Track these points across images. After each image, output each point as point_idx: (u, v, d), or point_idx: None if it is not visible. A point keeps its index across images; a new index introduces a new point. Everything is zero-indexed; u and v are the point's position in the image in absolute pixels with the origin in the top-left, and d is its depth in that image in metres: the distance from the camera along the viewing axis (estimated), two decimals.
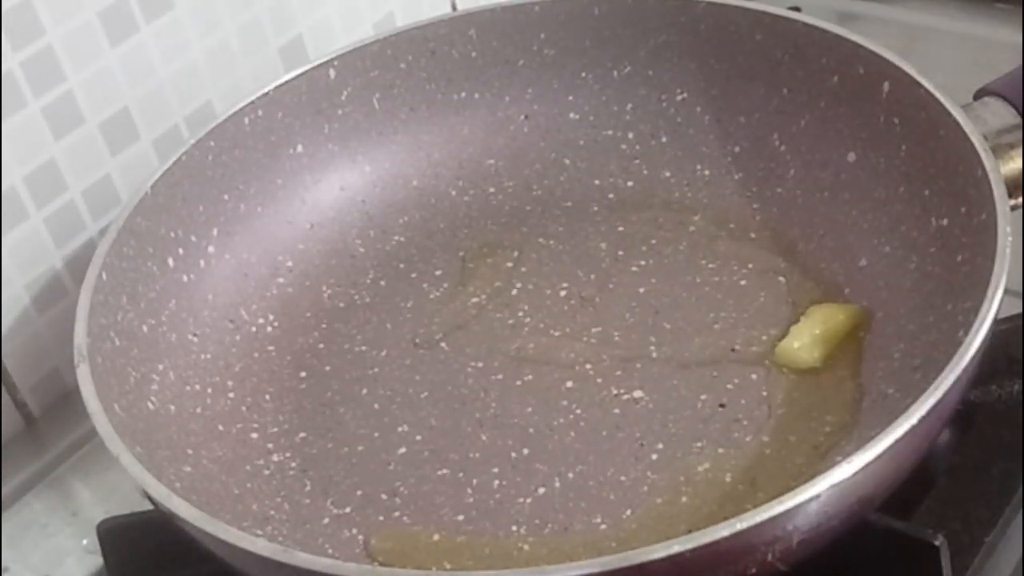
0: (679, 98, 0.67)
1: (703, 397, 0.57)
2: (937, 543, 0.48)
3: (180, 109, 0.67)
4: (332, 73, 0.67)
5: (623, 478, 0.54)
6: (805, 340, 0.57)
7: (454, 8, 0.78)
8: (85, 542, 0.59)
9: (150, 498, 0.49)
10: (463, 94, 0.69)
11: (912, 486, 0.52)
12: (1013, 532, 0.53)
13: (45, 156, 0.62)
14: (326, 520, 0.55)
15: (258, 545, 0.45)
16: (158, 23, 0.65)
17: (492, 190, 0.68)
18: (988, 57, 0.66)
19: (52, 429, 0.65)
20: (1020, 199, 0.58)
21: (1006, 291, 0.51)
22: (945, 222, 0.57)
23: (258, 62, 0.70)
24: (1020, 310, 0.60)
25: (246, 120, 0.65)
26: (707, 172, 0.66)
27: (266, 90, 0.65)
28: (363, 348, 0.62)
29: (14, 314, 0.63)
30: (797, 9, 0.64)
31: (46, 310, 0.64)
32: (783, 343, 0.58)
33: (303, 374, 0.61)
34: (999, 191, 0.53)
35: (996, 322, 0.51)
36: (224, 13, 0.67)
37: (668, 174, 0.67)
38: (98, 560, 0.56)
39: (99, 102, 0.64)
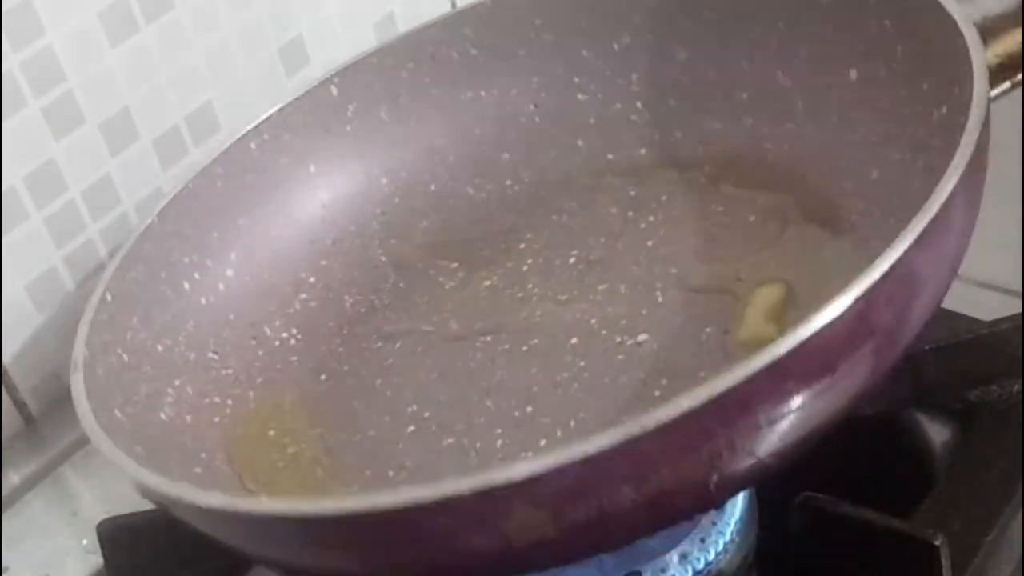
0: (681, 58, 0.65)
1: (707, 329, 0.54)
2: (937, 543, 0.48)
3: (180, 109, 0.67)
4: (334, 90, 0.67)
5: (625, 419, 0.52)
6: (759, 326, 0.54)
7: (454, 6, 0.78)
8: (85, 542, 0.59)
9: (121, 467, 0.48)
10: (469, 93, 0.68)
11: (912, 486, 0.53)
12: (1013, 532, 0.52)
13: (45, 156, 0.63)
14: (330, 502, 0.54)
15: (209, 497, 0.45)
16: (158, 23, 0.65)
17: (509, 183, 0.67)
18: None
19: (52, 429, 0.65)
20: (1019, 77, 0.54)
21: (1006, 291, 0.54)
22: (944, 110, 0.53)
23: (258, 62, 0.70)
24: (1020, 310, 0.57)
25: (252, 145, 0.65)
26: (718, 125, 0.64)
27: (269, 114, 0.66)
28: (379, 344, 0.61)
29: (14, 314, 0.63)
30: None
31: (46, 310, 0.65)
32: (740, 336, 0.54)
33: (323, 376, 0.61)
34: (976, 51, 0.50)
35: (995, 321, 0.54)
36: (224, 13, 0.68)
37: (680, 135, 0.65)
38: (98, 560, 0.56)
39: (99, 102, 0.64)
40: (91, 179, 0.65)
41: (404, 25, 0.78)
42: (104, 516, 0.55)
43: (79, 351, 0.55)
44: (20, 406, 0.65)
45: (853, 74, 0.59)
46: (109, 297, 0.58)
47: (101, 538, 0.55)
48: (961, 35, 0.51)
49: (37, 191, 0.63)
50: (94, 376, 0.54)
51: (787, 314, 0.54)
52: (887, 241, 0.53)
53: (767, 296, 0.55)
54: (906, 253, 0.42)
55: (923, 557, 0.48)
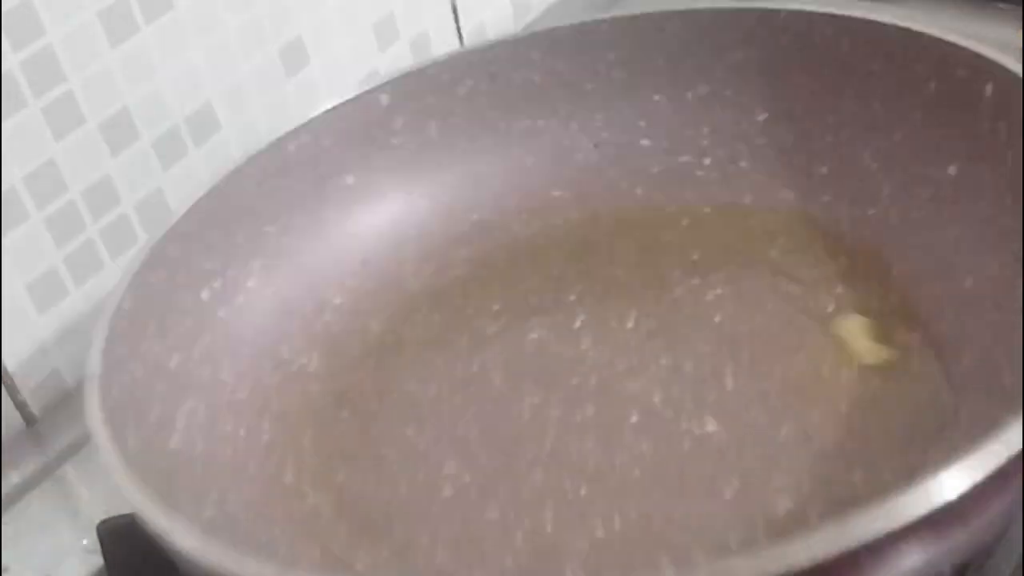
0: (760, 119, 0.62)
1: (784, 429, 0.50)
2: None
3: (180, 109, 0.66)
4: (384, 99, 0.62)
5: (693, 516, 0.48)
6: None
7: (454, 11, 0.76)
8: (85, 542, 0.57)
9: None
10: (527, 121, 0.64)
11: None
12: (1013, 532, 0.49)
13: (45, 156, 0.62)
14: (360, 567, 0.49)
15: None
16: (158, 23, 0.64)
17: (559, 222, 0.63)
18: None
19: (52, 429, 0.64)
20: None
21: None
22: None
23: (258, 62, 0.69)
24: None
25: (291, 147, 0.60)
26: (791, 196, 0.60)
27: (312, 116, 0.61)
28: (412, 386, 0.57)
29: (14, 314, 0.62)
30: None
31: (46, 310, 0.63)
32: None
33: (345, 414, 0.56)
34: None
35: None
36: (224, 13, 0.67)
37: (748, 200, 0.61)
38: (98, 560, 0.54)
39: (99, 102, 0.63)
40: (91, 179, 0.64)
41: (404, 25, 0.76)
42: (104, 516, 0.53)
43: (95, 367, 0.50)
44: (21, 406, 0.63)
45: (952, 170, 0.56)
46: (127, 304, 0.53)
47: (101, 538, 0.53)
48: None
49: (37, 191, 0.62)
50: (108, 398, 0.49)
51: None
52: (985, 362, 0.51)
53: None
54: None
55: None
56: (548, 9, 0.87)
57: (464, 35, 0.81)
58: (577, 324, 0.58)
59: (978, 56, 0.54)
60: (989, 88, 0.54)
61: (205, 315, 0.57)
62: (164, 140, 0.66)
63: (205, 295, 0.57)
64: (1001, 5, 0.75)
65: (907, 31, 0.57)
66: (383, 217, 0.63)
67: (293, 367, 0.58)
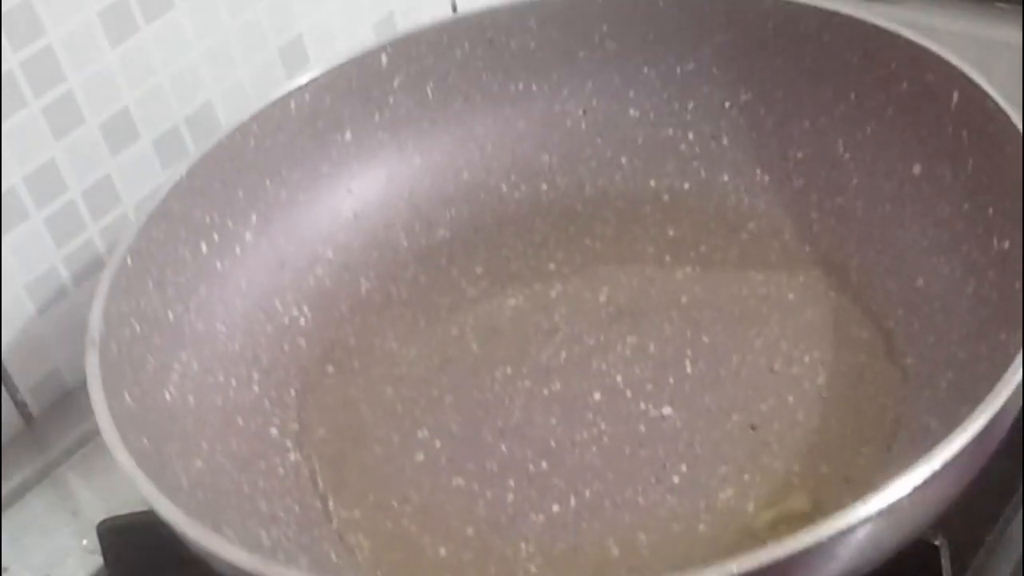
0: (743, 99, 0.64)
1: (734, 417, 0.54)
2: (937, 543, 0.47)
3: (180, 109, 0.66)
4: (384, 59, 0.65)
5: (641, 500, 0.52)
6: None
7: (454, 9, 0.76)
8: (85, 542, 0.59)
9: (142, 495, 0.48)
10: (520, 85, 0.66)
11: None
12: (1013, 532, 0.52)
13: (45, 156, 0.62)
14: (335, 524, 0.54)
15: (239, 555, 0.44)
16: (158, 23, 0.64)
17: (544, 187, 0.66)
18: (988, 57, 0.62)
19: (52, 429, 0.64)
20: None
21: None
22: (1007, 245, 0.53)
23: (258, 62, 0.69)
24: None
25: (292, 104, 0.63)
26: (766, 178, 0.63)
27: (315, 75, 0.63)
28: (394, 345, 0.60)
29: (14, 314, 0.63)
30: None
31: (46, 310, 0.64)
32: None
33: (330, 369, 0.60)
34: None
35: None
36: (224, 13, 0.67)
37: (726, 178, 0.64)
38: (98, 560, 0.56)
39: (99, 102, 0.63)
40: (91, 179, 0.64)
41: (404, 25, 0.76)
42: (104, 516, 0.54)
43: (96, 323, 0.53)
44: (20, 406, 0.64)
45: (917, 168, 0.59)
46: (129, 261, 0.56)
47: (101, 538, 0.54)
48: None
49: (37, 191, 0.62)
50: (108, 354, 0.52)
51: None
52: (926, 362, 0.54)
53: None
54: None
55: (923, 557, 0.47)
56: None
57: None
58: (553, 294, 0.61)
59: (947, 63, 0.56)
60: (955, 95, 0.56)
61: (203, 267, 0.60)
62: (164, 140, 0.66)
63: (204, 248, 0.60)
64: (1001, 5, 0.74)
65: (884, 31, 0.59)
66: (376, 173, 0.66)
67: (284, 320, 0.61)
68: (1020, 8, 0.74)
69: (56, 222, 0.63)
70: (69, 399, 0.60)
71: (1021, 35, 0.71)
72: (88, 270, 0.64)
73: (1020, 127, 0.52)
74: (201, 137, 0.66)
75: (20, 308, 0.63)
